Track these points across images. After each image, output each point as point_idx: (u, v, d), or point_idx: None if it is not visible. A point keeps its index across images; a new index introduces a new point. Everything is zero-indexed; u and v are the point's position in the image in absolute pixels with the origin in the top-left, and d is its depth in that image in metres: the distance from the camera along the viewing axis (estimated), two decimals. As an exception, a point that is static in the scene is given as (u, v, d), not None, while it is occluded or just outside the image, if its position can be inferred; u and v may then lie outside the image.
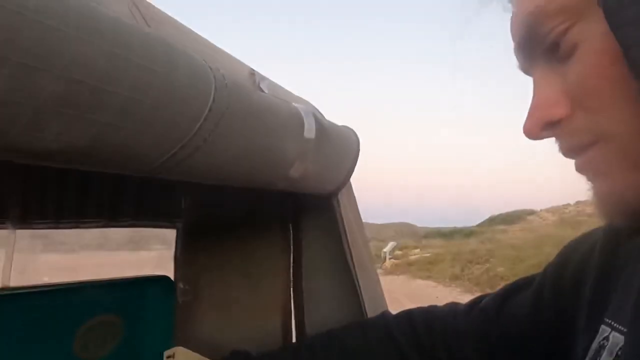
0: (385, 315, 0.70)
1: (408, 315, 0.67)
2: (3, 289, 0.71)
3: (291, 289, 1.08)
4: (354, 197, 1.00)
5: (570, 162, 0.41)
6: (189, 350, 0.95)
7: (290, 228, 1.07)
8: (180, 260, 1.17)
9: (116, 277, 0.85)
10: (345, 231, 0.90)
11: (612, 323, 0.45)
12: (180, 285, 1.04)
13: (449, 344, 0.61)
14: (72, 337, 0.78)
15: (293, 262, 1.07)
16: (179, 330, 1.00)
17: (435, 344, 0.61)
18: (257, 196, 1.07)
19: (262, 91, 0.57)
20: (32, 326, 0.72)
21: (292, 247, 1.06)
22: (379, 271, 1.35)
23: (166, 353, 0.95)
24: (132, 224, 1.26)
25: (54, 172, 1.14)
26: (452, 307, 0.67)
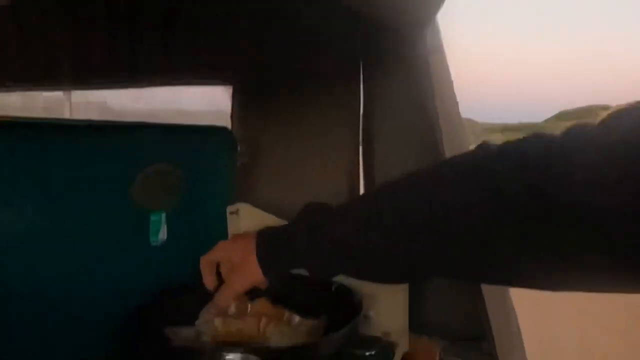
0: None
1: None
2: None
3: (360, 148, 0.98)
4: (443, 48, 0.84)
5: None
6: (252, 207, 0.89)
7: (360, 80, 0.94)
8: (237, 121, 1.09)
9: (175, 123, 0.78)
10: (430, 82, 0.76)
11: None
12: (238, 147, 0.97)
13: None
14: (128, 181, 0.73)
15: (363, 118, 0.96)
16: (238, 193, 0.94)
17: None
18: (320, 42, 0.94)
19: None
20: (88, 163, 0.67)
21: (361, 101, 0.94)
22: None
23: (229, 209, 0.90)
24: (187, 82, 1.18)
25: (105, 33, 1.05)
26: None
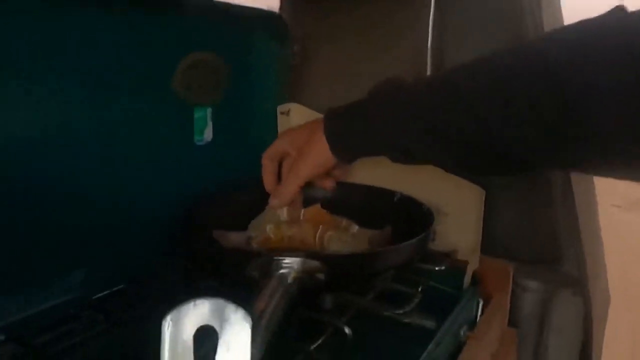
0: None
1: None
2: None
3: (428, 51, 0.85)
4: None
5: None
6: (305, 107, 0.80)
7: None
8: (287, 17, 0.97)
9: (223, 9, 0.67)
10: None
11: None
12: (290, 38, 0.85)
13: None
14: (170, 70, 0.64)
15: (433, 18, 0.82)
16: (289, 94, 0.84)
17: None
18: None
19: None
20: (130, 48, 0.58)
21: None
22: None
23: (280, 109, 0.81)
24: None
25: None
26: None
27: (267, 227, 0.63)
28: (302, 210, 0.64)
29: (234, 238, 0.62)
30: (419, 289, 0.56)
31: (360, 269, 0.50)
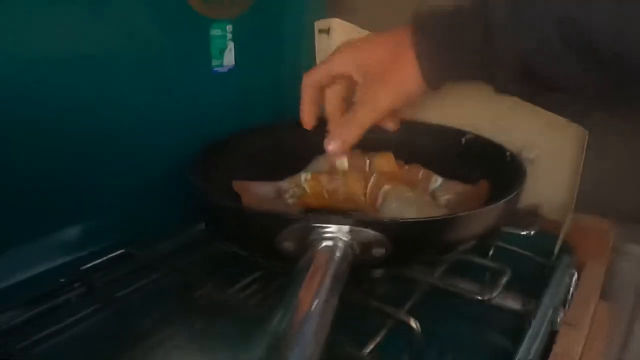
0: None
1: None
2: None
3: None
4: None
5: None
6: (347, 23, 0.64)
7: None
8: None
9: None
10: None
11: None
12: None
13: None
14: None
15: None
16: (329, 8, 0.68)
17: None
18: None
19: None
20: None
21: None
22: None
23: (318, 25, 0.65)
24: None
25: None
26: None
27: (301, 177, 0.49)
28: (367, 160, 0.50)
29: (261, 190, 0.49)
30: (504, 264, 0.42)
31: (435, 241, 0.36)
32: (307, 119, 0.48)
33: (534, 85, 0.38)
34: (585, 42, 0.33)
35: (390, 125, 0.47)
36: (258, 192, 0.48)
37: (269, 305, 0.42)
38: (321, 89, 0.47)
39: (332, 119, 0.47)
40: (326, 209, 0.48)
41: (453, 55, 0.39)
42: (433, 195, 0.47)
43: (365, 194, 0.46)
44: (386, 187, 0.44)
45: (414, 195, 0.44)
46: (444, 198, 0.46)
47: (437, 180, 0.48)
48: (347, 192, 0.47)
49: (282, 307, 0.29)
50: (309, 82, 0.46)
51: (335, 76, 0.45)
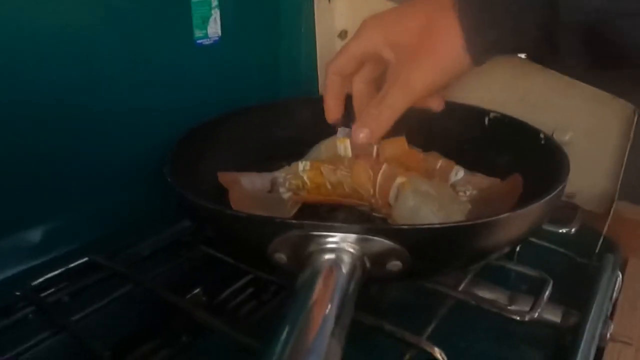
0: None
1: None
2: None
3: None
4: None
5: None
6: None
7: None
8: None
9: None
10: None
11: None
12: None
13: None
14: None
15: None
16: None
17: None
18: None
19: None
20: None
21: None
22: None
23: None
24: None
25: None
26: None
27: (299, 166, 0.42)
28: (375, 146, 0.42)
29: (251, 183, 0.41)
30: (544, 272, 0.35)
31: (464, 250, 0.29)
32: (333, 113, 0.41)
33: (598, 57, 0.30)
34: None
35: (433, 105, 0.40)
36: (248, 186, 0.41)
37: (263, 315, 0.36)
38: (348, 76, 0.40)
39: (359, 104, 0.41)
40: (328, 204, 0.41)
41: (506, 22, 0.31)
42: (453, 190, 0.40)
43: (374, 187, 0.38)
44: (400, 179, 0.37)
45: (434, 190, 0.36)
46: (466, 193, 0.39)
47: (459, 172, 0.41)
48: (352, 184, 0.40)
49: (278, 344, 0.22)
50: (334, 69, 0.39)
51: (363, 58, 0.38)
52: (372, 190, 0.39)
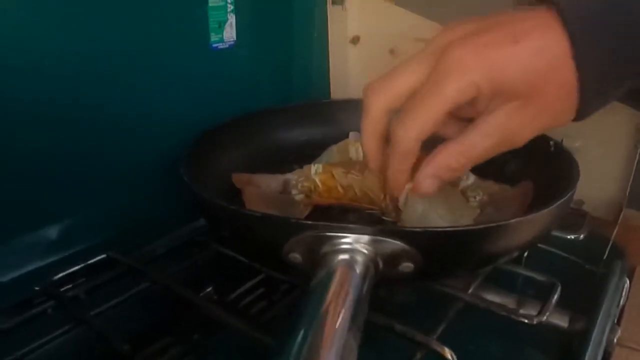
0: None
1: None
2: None
3: None
4: None
5: None
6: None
7: None
8: None
9: None
10: None
11: None
12: None
13: None
14: None
15: None
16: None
17: None
18: None
19: None
20: None
21: None
22: None
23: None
24: None
25: None
26: None
27: (312, 169, 0.43)
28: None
29: (265, 184, 0.42)
30: (552, 277, 0.36)
31: (475, 254, 0.29)
32: (374, 159, 0.32)
33: None
34: None
35: (452, 132, 0.31)
36: (261, 187, 0.41)
37: (274, 314, 0.37)
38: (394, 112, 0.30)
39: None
40: (340, 206, 0.41)
41: (631, 76, 0.26)
42: (463, 195, 0.41)
43: (384, 191, 0.39)
44: (410, 184, 0.37)
45: (443, 195, 0.37)
46: (476, 198, 0.40)
47: (470, 178, 0.41)
48: (363, 188, 0.41)
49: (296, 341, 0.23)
50: (417, 136, 0.28)
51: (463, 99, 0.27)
52: (382, 195, 0.39)
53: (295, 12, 0.56)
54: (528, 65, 0.26)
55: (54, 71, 0.37)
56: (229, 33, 0.50)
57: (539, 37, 0.26)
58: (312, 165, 0.43)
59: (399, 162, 0.30)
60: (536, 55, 0.25)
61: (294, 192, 0.43)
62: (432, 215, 0.35)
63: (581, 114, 0.27)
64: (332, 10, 0.56)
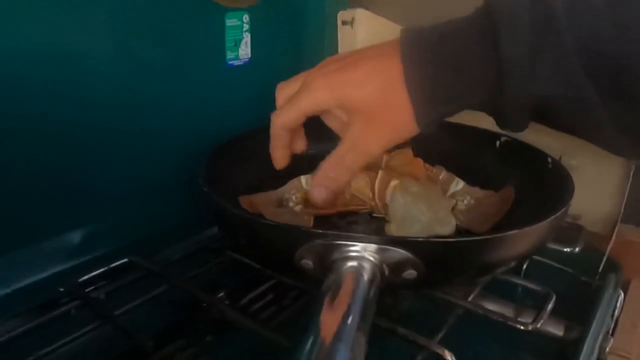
0: None
1: None
2: None
3: None
4: None
5: None
6: (372, 14, 0.59)
7: None
8: None
9: None
10: None
11: None
12: None
13: None
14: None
15: None
16: None
17: None
18: None
19: None
20: None
21: None
22: None
23: (341, 16, 0.61)
24: None
25: None
26: None
27: (301, 181, 0.46)
28: (385, 156, 0.46)
29: (263, 202, 0.44)
30: (547, 287, 0.38)
31: (474, 263, 0.32)
32: (281, 163, 0.39)
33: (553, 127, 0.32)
34: (625, 86, 0.26)
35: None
36: (261, 205, 0.43)
37: (284, 318, 0.39)
38: (296, 130, 0.39)
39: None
40: (336, 212, 0.44)
41: (453, 96, 0.31)
42: (453, 198, 0.44)
43: (373, 191, 0.42)
44: (394, 181, 0.41)
45: (424, 189, 0.40)
46: (464, 202, 0.43)
47: (459, 184, 0.44)
48: (351, 191, 0.44)
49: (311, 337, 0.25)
50: (282, 125, 0.37)
51: (311, 115, 0.37)
52: (371, 194, 0.42)
53: (307, 31, 0.59)
54: (363, 85, 0.32)
55: (84, 87, 0.40)
56: (244, 51, 0.53)
57: (376, 63, 0.32)
58: (302, 177, 0.46)
59: (272, 140, 0.38)
60: (370, 76, 0.32)
61: (291, 204, 0.45)
62: (413, 209, 0.38)
63: (421, 126, 0.32)
64: (342, 29, 0.59)
